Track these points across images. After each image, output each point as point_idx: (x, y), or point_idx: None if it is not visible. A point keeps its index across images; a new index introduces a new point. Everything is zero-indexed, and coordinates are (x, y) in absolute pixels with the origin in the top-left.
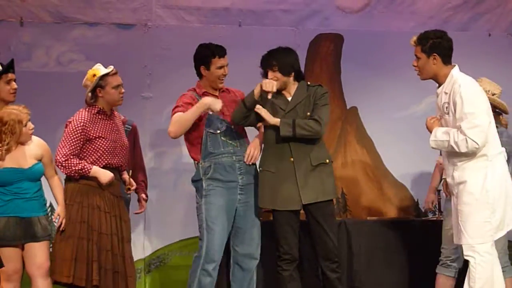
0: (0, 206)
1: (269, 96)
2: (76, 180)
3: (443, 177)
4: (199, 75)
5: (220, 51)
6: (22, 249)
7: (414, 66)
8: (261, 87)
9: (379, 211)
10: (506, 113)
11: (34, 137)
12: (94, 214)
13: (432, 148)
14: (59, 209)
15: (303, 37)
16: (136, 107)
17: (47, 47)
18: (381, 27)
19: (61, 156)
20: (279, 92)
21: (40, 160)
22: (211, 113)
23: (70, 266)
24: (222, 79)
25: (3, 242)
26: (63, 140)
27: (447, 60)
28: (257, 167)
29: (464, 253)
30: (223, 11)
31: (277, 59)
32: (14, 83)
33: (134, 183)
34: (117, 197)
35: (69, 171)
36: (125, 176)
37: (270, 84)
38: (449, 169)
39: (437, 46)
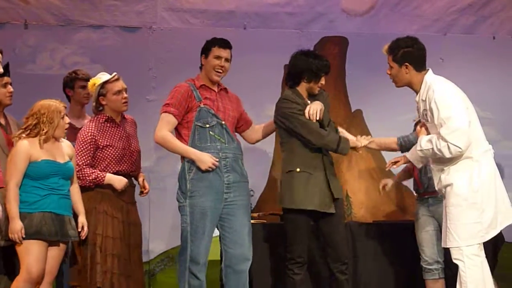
0: (36, 201)
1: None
2: (87, 189)
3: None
4: (200, 66)
5: (222, 42)
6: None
7: (388, 74)
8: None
9: (383, 213)
10: None
11: (63, 140)
12: (100, 218)
13: (421, 157)
14: (82, 218)
15: (308, 40)
16: (141, 110)
17: (52, 50)
18: (386, 30)
19: (74, 168)
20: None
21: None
22: (202, 106)
23: (73, 269)
24: (218, 71)
25: (40, 237)
26: (75, 152)
27: (419, 67)
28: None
29: (453, 257)
30: (228, 14)
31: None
32: (10, 86)
33: (147, 186)
34: (128, 203)
35: (84, 182)
36: (140, 179)
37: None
38: (436, 173)
39: (407, 55)
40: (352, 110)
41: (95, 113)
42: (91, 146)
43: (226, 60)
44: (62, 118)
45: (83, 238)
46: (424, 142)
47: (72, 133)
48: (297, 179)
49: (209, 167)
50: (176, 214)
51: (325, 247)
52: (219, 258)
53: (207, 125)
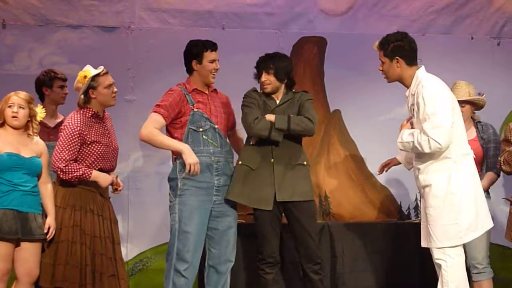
0: None
1: None
2: (69, 184)
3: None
4: (190, 71)
5: (211, 45)
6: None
7: (380, 70)
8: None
9: (362, 214)
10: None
11: (35, 137)
12: (87, 217)
13: (400, 150)
14: (50, 219)
15: (287, 40)
16: (119, 110)
17: (30, 50)
18: (364, 30)
19: (60, 162)
20: (268, 96)
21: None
22: (195, 110)
23: (63, 270)
24: (214, 74)
25: (0, 235)
26: (60, 145)
27: (410, 61)
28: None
29: (435, 256)
30: (207, 14)
31: (274, 63)
32: None
33: (121, 184)
34: (106, 199)
35: (69, 177)
36: (113, 177)
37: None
38: (416, 171)
39: (398, 49)
40: (331, 110)
41: (81, 106)
42: (78, 140)
43: (218, 60)
44: (10, 107)
45: (49, 239)
46: (405, 135)
47: (44, 132)
48: (237, 172)
49: (192, 166)
50: (155, 215)
51: (297, 247)
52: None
53: (201, 129)
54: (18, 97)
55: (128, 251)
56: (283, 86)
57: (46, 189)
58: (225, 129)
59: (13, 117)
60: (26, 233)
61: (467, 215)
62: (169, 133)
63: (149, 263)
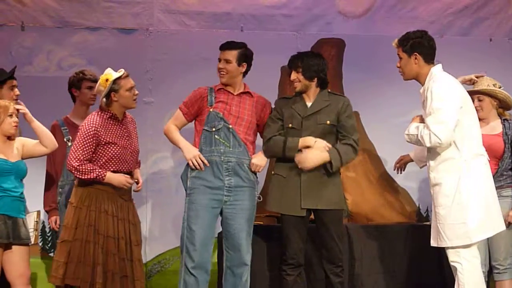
0: None
1: None
2: (87, 184)
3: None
4: None
5: (221, 45)
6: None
7: (398, 67)
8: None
9: (380, 215)
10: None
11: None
12: (101, 217)
13: (407, 141)
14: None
15: (305, 42)
16: (137, 112)
17: (48, 52)
18: (382, 32)
19: (75, 161)
20: (299, 95)
21: (23, 159)
22: (211, 110)
23: (74, 268)
24: (220, 72)
25: None
26: (75, 145)
27: (428, 59)
28: (250, 170)
29: (450, 259)
30: (225, 16)
31: (303, 61)
32: (16, 89)
33: (140, 180)
34: (127, 200)
35: (83, 177)
36: (134, 174)
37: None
38: (427, 170)
39: (417, 45)
40: None
41: (103, 109)
42: (93, 140)
43: (225, 61)
44: (10, 116)
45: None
46: (412, 127)
47: (75, 133)
48: (272, 182)
49: (193, 160)
50: (174, 216)
51: (320, 248)
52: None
53: (213, 129)
54: (13, 106)
55: (146, 253)
56: (313, 85)
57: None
58: (248, 132)
59: (15, 126)
60: (16, 237)
61: (475, 215)
62: (194, 136)
63: (167, 264)
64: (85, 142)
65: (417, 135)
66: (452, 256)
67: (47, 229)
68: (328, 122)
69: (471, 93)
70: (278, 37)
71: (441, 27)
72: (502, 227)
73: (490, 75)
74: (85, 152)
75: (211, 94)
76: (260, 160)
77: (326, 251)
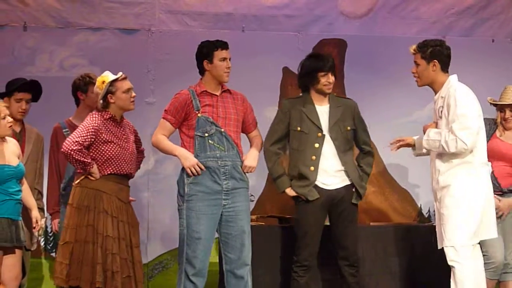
0: None
1: None
2: (85, 185)
3: None
4: (202, 71)
5: (221, 44)
6: None
7: (413, 73)
8: None
9: (382, 216)
10: None
11: (8, 138)
12: (100, 217)
13: (425, 148)
14: (35, 213)
15: (306, 43)
16: (139, 112)
17: (50, 52)
18: (384, 33)
19: (74, 144)
20: (308, 99)
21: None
22: (200, 115)
23: (76, 269)
24: (227, 72)
25: None
26: (75, 133)
27: (445, 67)
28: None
29: (449, 258)
30: (226, 16)
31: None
32: (24, 102)
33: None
34: (125, 203)
35: (80, 158)
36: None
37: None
38: (435, 173)
39: (437, 53)
40: None
41: (100, 111)
42: (93, 134)
43: (229, 59)
44: (4, 118)
45: (37, 230)
46: (432, 133)
47: None
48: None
49: (191, 168)
50: (175, 216)
51: (336, 248)
52: (217, 261)
53: (206, 134)
54: (5, 108)
55: (147, 253)
56: None
57: (25, 187)
58: (237, 130)
59: (10, 127)
60: (17, 240)
61: (476, 218)
62: (181, 140)
63: (168, 265)
64: (85, 132)
65: (439, 140)
66: (451, 255)
67: (48, 229)
68: (348, 128)
69: (505, 106)
70: (280, 38)
71: (443, 27)
72: (494, 235)
73: (492, 75)
74: (83, 138)
75: (195, 98)
76: (251, 161)
77: (341, 251)
